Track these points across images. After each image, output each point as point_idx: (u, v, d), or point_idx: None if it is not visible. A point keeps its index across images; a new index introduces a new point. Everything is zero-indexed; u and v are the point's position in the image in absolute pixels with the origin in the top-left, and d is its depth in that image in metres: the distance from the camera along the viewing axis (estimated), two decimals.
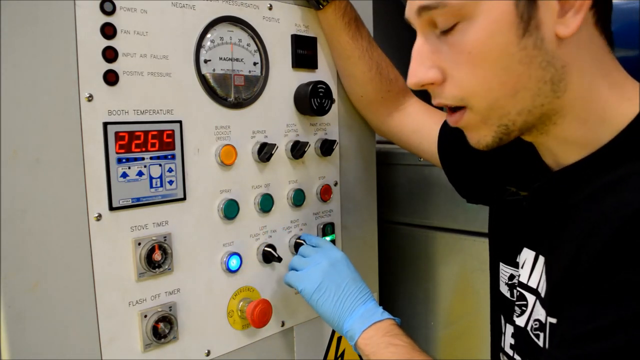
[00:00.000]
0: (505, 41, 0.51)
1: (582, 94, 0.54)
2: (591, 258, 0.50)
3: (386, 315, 0.73)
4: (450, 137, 0.84)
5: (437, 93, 0.57)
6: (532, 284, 0.64)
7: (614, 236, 0.48)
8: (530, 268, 0.64)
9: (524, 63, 0.52)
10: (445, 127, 0.86)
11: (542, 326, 0.60)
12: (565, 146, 0.58)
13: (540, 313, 0.61)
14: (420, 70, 0.55)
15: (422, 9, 0.53)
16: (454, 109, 0.58)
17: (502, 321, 0.72)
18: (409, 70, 0.56)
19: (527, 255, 0.65)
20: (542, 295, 0.61)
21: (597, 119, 0.55)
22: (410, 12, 0.56)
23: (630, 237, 0.47)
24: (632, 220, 0.47)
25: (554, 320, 0.57)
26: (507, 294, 0.70)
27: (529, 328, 0.63)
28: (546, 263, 0.61)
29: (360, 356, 0.72)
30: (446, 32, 0.53)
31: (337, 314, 0.73)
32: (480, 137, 0.57)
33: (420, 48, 0.55)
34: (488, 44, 0.51)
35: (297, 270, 0.79)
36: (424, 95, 0.98)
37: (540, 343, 0.60)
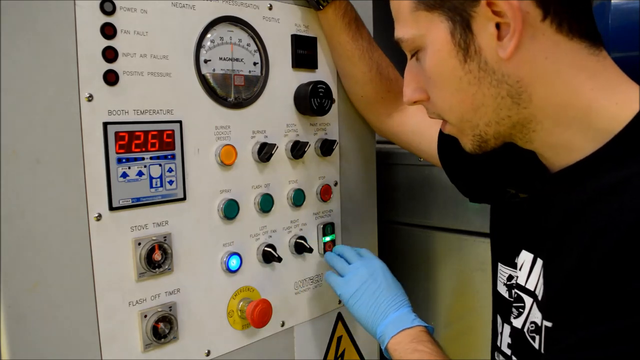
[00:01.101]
0: (451, 67, 0.57)
1: (556, 101, 0.55)
2: (594, 266, 0.49)
3: (417, 322, 0.76)
4: (450, 138, 0.84)
5: (427, 108, 0.65)
6: (530, 286, 0.64)
7: (616, 245, 0.48)
8: (528, 270, 0.64)
9: (474, 84, 0.56)
10: None
11: (537, 329, 0.60)
12: (555, 150, 0.58)
13: (536, 315, 0.61)
14: (407, 91, 0.64)
15: (396, 41, 0.62)
16: None
17: (500, 321, 0.72)
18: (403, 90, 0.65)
19: (525, 258, 0.65)
20: (539, 298, 0.61)
21: (582, 121, 0.55)
22: None
23: (633, 246, 0.47)
24: (633, 228, 0.47)
25: (549, 324, 0.57)
26: (506, 295, 0.70)
27: (525, 329, 0.64)
28: (544, 266, 0.61)
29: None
30: (417, 59, 0.61)
31: (370, 319, 0.78)
32: (463, 143, 0.64)
33: (406, 72, 0.64)
34: (438, 70, 0.58)
35: (338, 274, 0.84)
36: None
37: (536, 345, 0.61)
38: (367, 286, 0.79)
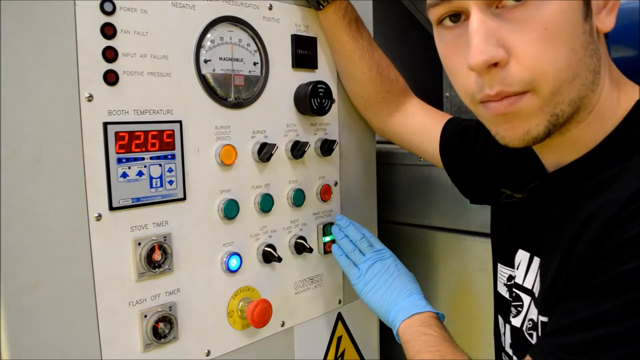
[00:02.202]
0: (576, 21, 0.50)
1: (601, 91, 0.55)
2: (579, 255, 0.51)
3: (428, 308, 0.78)
4: (452, 138, 0.84)
5: (500, 77, 0.51)
6: (527, 284, 0.64)
7: (599, 232, 0.49)
8: (525, 269, 0.65)
9: (584, 47, 0.51)
10: (446, 128, 0.86)
11: (534, 325, 0.61)
12: (569, 147, 0.57)
13: (533, 313, 0.61)
14: (488, 47, 0.49)
15: None
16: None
17: (501, 321, 0.72)
18: (472, 48, 0.50)
19: (522, 257, 0.66)
20: (537, 295, 0.61)
21: (601, 118, 0.55)
22: None
23: (616, 231, 0.48)
24: (617, 215, 0.48)
25: (545, 319, 0.57)
26: (506, 295, 0.70)
27: (523, 328, 0.64)
28: (541, 264, 0.61)
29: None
30: (513, 8, 0.49)
31: (383, 306, 0.81)
32: (532, 126, 0.52)
33: (483, 24, 0.49)
34: (563, 20, 0.49)
35: (349, 258, 0.87)
36: (424, 96, 0.98)
37: (533, 342, 0.61)
38: (381, 277, 0.82)
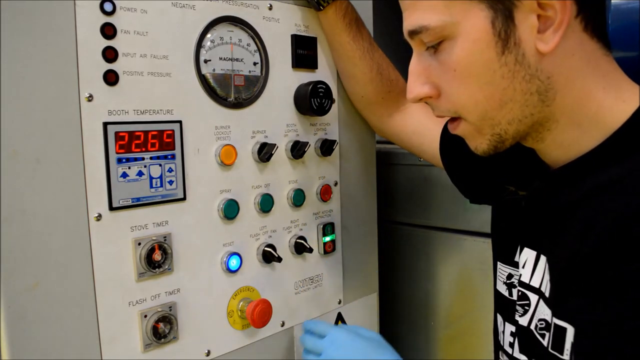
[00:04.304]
0: (486, 58, 0.54)
1: (574, 99, 0.55)
2: (585, 258, 0.51)
3: None
4: (452, 138, 0.84)
5: (435, 106, 0.61)
6: (535, 283, 0.64)
7: (608, 236, 0.49)
8: (532, 267, 0.65)
9: (507, 78, 0.54)
10: (446, 128, 0.86)
11: (547, 326, 0.60)
12: (561, 149, 0.59)
13: (545, 312, 0.61)
14: (416, 86, 0.59)
15: (411, 33, 0.57)
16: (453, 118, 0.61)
17: (500, 319, 0.72)
18: (407, 86, 0.60)
19: (528, 255, 0.65)
20: (547, 294, 0.61)
21: (591, 120, 0.56)
22: (404, 34, 0.59)
23: (624, 235, 0.48)
24: (625, 218, 0.48)
25: (559, 322, 0.57)
26: (505, 293, 0.70)
27: (532, 327, 0.64)
28: (549, 263, 0.61)
29: None
30: (435, 50, 0.56)
31: None
32: (477, 144, 0.60)
33: (414, 66, 0.59)
34: (470, 61, 0.54)
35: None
36: None
37: (545, 343, 0.61)
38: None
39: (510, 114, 0.56)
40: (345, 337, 0.78)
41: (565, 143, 0.58)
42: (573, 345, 0.54)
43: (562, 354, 0.57)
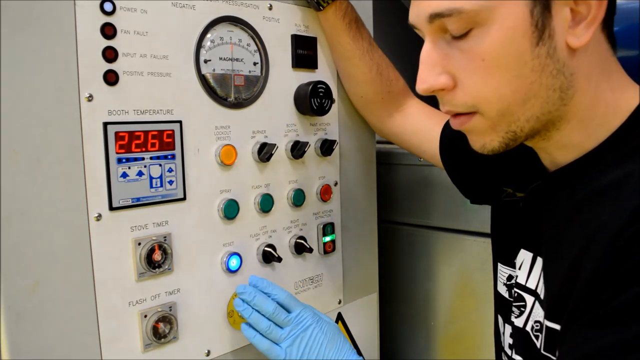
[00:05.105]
0: (520, 49, 0.50)
1: (589, 100, 0.54)
2: (590, 271, 0.50)
3: None
4: (452, 138, 0.84)
5: (447, 100, 0.55)
6: (531, 285, 0.64)
7: (608, 249, 0.48)
8: (528, 269, 0.65)
9: (537, 71, 0.51)
10: (446, 128, 0.86)
11: (541, 328, 0.60)
12: (564, 150, 0.58)
13: (540, 314, 0.61)
14: (430, 76, 0.54)
15: (435, 16, 0.52)
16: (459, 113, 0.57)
17: (501, 321, 0.72)
18: (418, 76, 0.54)
19: (524, 257, 0.65)
20: (542, 296, 0.61)
21: (598, 122, 0.55)
22: (417, 18, 0.54)
23: (623, 249, 0.47)
24: (625, 230, 0.47)
25: (551, 324, 0.57)
26: (506, 295, 0.70)
27: (528, 328, 0.64)
28: (544, 265, 0.61)
29: None
30: (458, 38, 0.52)
31: None
32: (486, 141, 0.56)
33: (429, 54, 0.54)
34: (503, 51, 0.50)
35: (266, 337, 0.74)
36: (423, 97, 0.98)
37: (538, 344, 0.61)
38: (311, 350, 0.72)
39: (530, 110, 0.53)
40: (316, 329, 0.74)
41: (570, 144, 0.57)
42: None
43: (554, 355, 0.57)
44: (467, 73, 0.52)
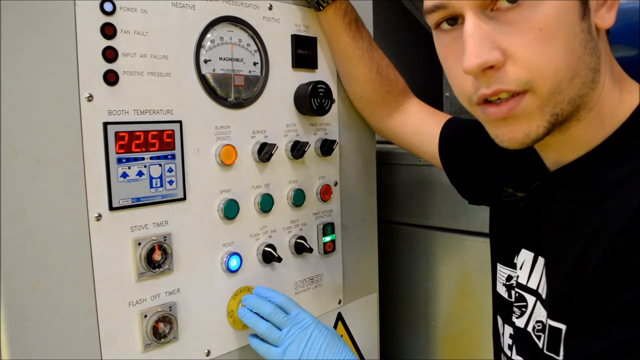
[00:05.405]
0: (572, 20, 0.49)
1: (602, 89, 0.54)
2: (591, 270, 0.50)
3: None
4: (452, 139, 0.84)
5: (497, 77, 0.51)
6: (532, 285, 0.64)
7: (612, 247, 0.48)
8: (529, 269, 0.64)
9: (582, 46, 0.50)
10: (446, 128, 0.86)
11: (543, 328, 0.60)
12: (574, 145, 0.57)
13: (542, 314, 0.61)
14: (483, 50, 0.49)
15: None
16: (491, 101, 0.53)
17: (500, 321, 0.72)
18: (467, 51, 0.50)
19: (525, 256, 0.65)
20: (544, 296, 0.61)
21: (607, 116, 0.55)
22: None
23: (627, 248, 0.47)
24: (628, 229, 0.47)
25: (554, 324, 0.57)
26: (505, 295, 0.70)
27: (530, 329, 0.63)
28: (546, 264, 0.61)
29: None
30: (507, 9, 0.49)
31: None
32: (532, 128, 0.52)
33: (476, 28, 0.50)
34: (559, 20, 0.49)
35: (264, 340, 0.75)
36: (424, 96, 0.98)
37: (540, 344, 0.60)
38: (309, 353, 0.71)
39: (573, 90, 0.51)
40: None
41: (581, 139, 0.56)
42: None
43: (557, 354, 0.57)
44: (520, 45, 0.49)
